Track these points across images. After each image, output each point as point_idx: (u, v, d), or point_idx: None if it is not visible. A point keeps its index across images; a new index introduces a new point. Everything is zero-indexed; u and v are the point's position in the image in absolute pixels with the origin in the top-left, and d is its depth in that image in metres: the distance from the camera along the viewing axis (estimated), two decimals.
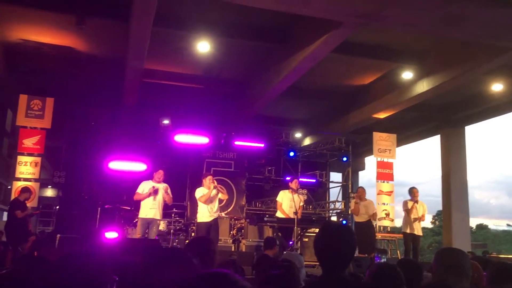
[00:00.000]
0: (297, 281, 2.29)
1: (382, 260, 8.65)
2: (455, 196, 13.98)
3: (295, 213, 8.71)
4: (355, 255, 2.27)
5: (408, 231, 9.78)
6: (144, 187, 8.67)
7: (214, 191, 8.66)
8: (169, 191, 8.81)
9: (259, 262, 4.61)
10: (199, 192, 8.72)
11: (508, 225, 49.76)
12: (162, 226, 10.45)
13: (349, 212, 10.32)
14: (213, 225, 8.60)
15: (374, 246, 10.06)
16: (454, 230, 13.73)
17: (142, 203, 8.62)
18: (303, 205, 10.05)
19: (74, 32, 9.60)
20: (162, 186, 8.73)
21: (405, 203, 9.95)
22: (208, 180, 8.72)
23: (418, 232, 9.86)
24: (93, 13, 8.83)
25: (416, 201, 9.77)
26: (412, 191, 9.91)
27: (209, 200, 8.61)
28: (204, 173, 9.35)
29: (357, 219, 9.96)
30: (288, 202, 9.19)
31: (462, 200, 14.12)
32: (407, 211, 9.77)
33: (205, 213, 8.59)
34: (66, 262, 1.64)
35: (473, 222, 42.27)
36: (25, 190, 9.78)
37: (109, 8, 8.81)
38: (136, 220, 8.99)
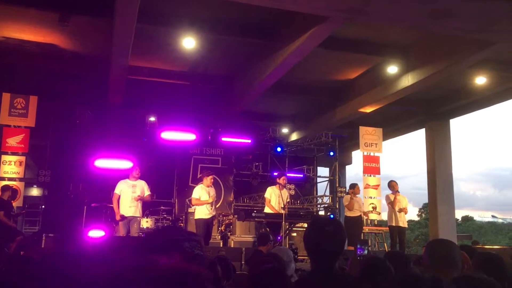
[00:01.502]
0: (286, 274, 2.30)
1: (365, 252, 8.71)
2: (441, 188, 14.13)
3: (283, 208, 8.78)
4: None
5: (393, 224, 9.94)
6: (122, 187, 8.73)
7: (212, 193, 8.85)
8: (146, 188, 8.87)
9: (253, 257, 4.63)
10: (196, 193, 8.83)
11: (493, 216, 50.45)
12: (150, 223, 10.40)
13: (343, 206, 10.42)
14: (211, 223, 8.84)
15: (359, 239, 10.21)
16: (440, 222, 13.88)
17: (121, 202, 8.69)
18: (289, 201, 10.13)
19: (58, 30, 9.48)
20: (140, 184, 8.78)
21: (387, 197, 10.15)
22: (209, 180, 8.87)
23: (403, 224, 10.02)
24: (76, 10, 8.72)
25: (397, 191, 9.96)
26: (391, 184, 10.13)
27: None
28: (206, 171, 9.42)
29: (351, 214, 10.08)
30: (276, 198, 9.26)
31: (448, 193, 14.28)
32: (391, 204, 9.92)
33: (204, 211, 8.77)
34: (48, 261, 1.63)
35: (459, 214, 42.87)
36: (4, 188, 9.62)
37: (93, 5, 8.72)
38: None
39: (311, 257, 2.17)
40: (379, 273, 2.74)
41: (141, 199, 8.71)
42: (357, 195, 10.29)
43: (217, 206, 12.47)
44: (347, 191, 10.86)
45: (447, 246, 2.58)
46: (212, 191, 9.05)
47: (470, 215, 45.57)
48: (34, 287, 1.67)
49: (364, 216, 10.67)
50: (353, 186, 10.44)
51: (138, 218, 8.86)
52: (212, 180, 9.05)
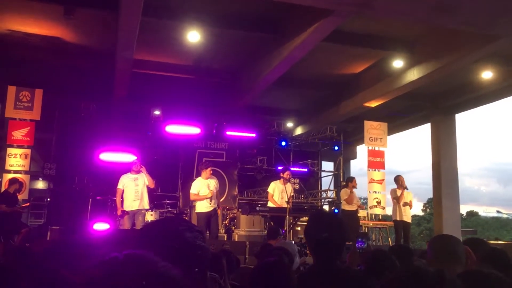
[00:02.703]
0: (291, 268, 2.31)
1: (365, 245, 8.68)
2: (446, 183, 14.09)
3: (287, 202, 8.77)
4: None
5: (398, 218, 9.89)
6: (124, 182, 8.73)
7: (212, 186, 8.71)
8: (145, 173, 8.83)
9: (262, 251, 4.66)
10: (195, 188, 8.75)
11: (498, 211, 50.29)
12: (154, 216, 10.43)
13: (342, 200, 10.38)
14: (213, 215, 8.71)
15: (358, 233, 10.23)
16: (444, 217, 13.85)
17: (125, 196, 8.70)
18: (293, 195, 10.12)
19: (63, 23, 9.48)
20: (141, 177, 8.78)
21: (393, 191, 10.05)
22: (208, 172, 8.76)
23: (407, 219, 9.97)
24: (81, 3, 8.72)
25: (406, 188, 9.89)
26: (399, 179, 10.01)
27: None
28: (204, 163, 9.27)
29: (348, 207, 10.06)
30: (279, 193, 9.25)
31: (452, 188, 14.24)
32: (397, 199, 9.86)
33: (204, 204, 8.66)
34: (51, 253, 1.63)
35: (464, 209, 42.76)
36: (12, 181, 9.66)
37: None
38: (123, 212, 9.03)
39: (312, 251, 2.16)
40: (384, 267, 2.74)
41: (143, 170, 8.71)
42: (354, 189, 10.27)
43: (221, 200, 12.53)
44: (345, 184, 10.79)
45: (451, 241, 2.56)
46: (213, 182, 8.90)
47: (475, 210, 45.49)
48: (38, 277, 1.68)
49: (359, 209, 10.66)
50: (351, 179, 10.40)
51: (143, 211, 8.85)
52: (211, 172, 8.90)
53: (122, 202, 8.77)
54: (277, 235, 6.70)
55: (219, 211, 9.33)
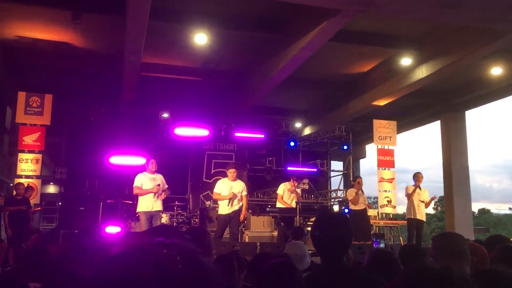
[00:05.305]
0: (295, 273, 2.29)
1: (381, 245, 8.61)
2: (457, 181, 14.00)
3: (297, 202, 8.77)
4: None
5: (412, 216, 9.80)
6: (142, 180, 8.60)
7: (235, 189, 8.61)
8: (164, 181, 8.76)
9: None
10: (217, 188, 8.68)
11: (510, 208, 49.79)
12: (165, 219, 10.47)
13: (348, 200, 10.36)
14: (234, 217, 8.60)
15: (370, 232, 10.17)
16: (456, 215, 13.76)
17: (144, 196, 8.55)
18: (300, 192, 10.12)
19: (71, 28, 9.57)
20: (159, 177, 8.74)
21: (407, 188, 9.99)
22: (229, 173, 8.66)
23: (421, 217, 9.87)
24: (88, 8, 8.79)
25: (419, 186, 9.79)
26: (417, 176, 9.91)
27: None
28: (229, 164, 9.13)
29: (355, 207, 10.01)
30: (288, 194, 9.26)
31: (464, 185, 14.14)
32: (408, 196, 9.80)
33: (223, 206, 8.58)
34: (65, 257, 1.64)
35: (475, 207, 42.35)
36: (16, 186, 9.77)
37: (105, 3, 8.78)
38: (138, 213, 8.96)
39: (318, 251, 2.16)
40: (386, 266, 2.72)
41: (164, 190, 8.65)
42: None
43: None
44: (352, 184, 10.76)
45: (455, 239, 2.52)
46: (238, 185, 8.73)
47: (487, 207, 45.05)
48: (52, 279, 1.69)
49: (368, 208, 10.62)
50: (355, 179, 10.40)
51: (160, 214, 8.79)
52: (232, 174, 8.76)
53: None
54: (303, 235, 6.59)
55: (242, 216, 9.13)
